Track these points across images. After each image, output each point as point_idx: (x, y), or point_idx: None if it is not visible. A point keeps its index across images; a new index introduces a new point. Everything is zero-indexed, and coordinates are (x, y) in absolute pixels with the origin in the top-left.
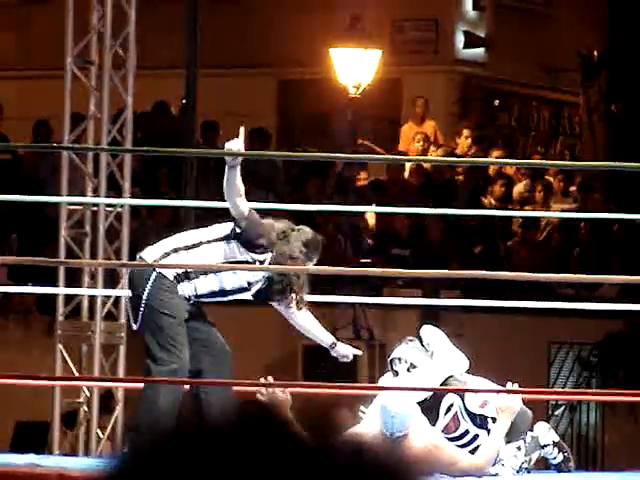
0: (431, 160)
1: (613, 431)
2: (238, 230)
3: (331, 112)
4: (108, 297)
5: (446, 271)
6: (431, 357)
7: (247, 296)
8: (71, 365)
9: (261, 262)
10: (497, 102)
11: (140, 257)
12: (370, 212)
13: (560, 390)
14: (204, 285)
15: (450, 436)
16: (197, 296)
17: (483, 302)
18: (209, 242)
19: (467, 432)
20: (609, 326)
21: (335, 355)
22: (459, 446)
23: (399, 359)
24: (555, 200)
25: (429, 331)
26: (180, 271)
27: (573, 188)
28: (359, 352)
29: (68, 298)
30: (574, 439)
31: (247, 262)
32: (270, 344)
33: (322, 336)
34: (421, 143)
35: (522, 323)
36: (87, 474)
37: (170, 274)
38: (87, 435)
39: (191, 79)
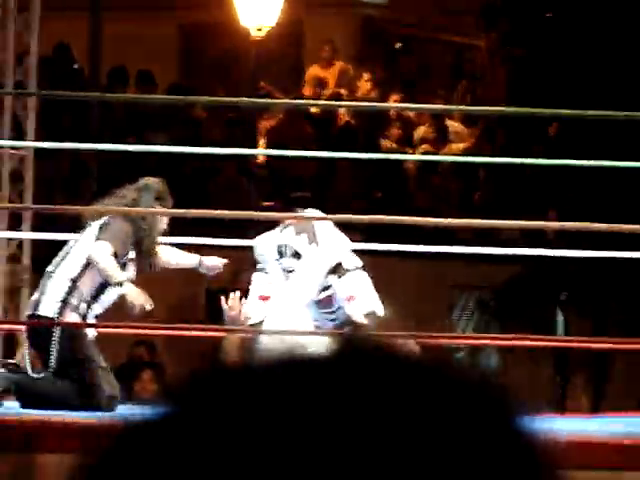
0: (332, 105)
1: (514, 374)
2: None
3: (233, 56)
4: (11, 239)
5: (348, 215)
6: (317, 243)
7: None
8: None
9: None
10: (398, 45)
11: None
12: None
13: (463, 335)
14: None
15: (324, 310)
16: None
17: (385, 246)
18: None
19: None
20: (509, 270)
21: (206, 271)
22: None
23: (285, 245)
24: (455, 142)
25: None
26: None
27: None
28: (225, 260)
29: None
30: None
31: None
32: (173, 285)
33: (186, 260)
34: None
35: (424, 266)
36: None
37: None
38: None
39: (95, 22)
